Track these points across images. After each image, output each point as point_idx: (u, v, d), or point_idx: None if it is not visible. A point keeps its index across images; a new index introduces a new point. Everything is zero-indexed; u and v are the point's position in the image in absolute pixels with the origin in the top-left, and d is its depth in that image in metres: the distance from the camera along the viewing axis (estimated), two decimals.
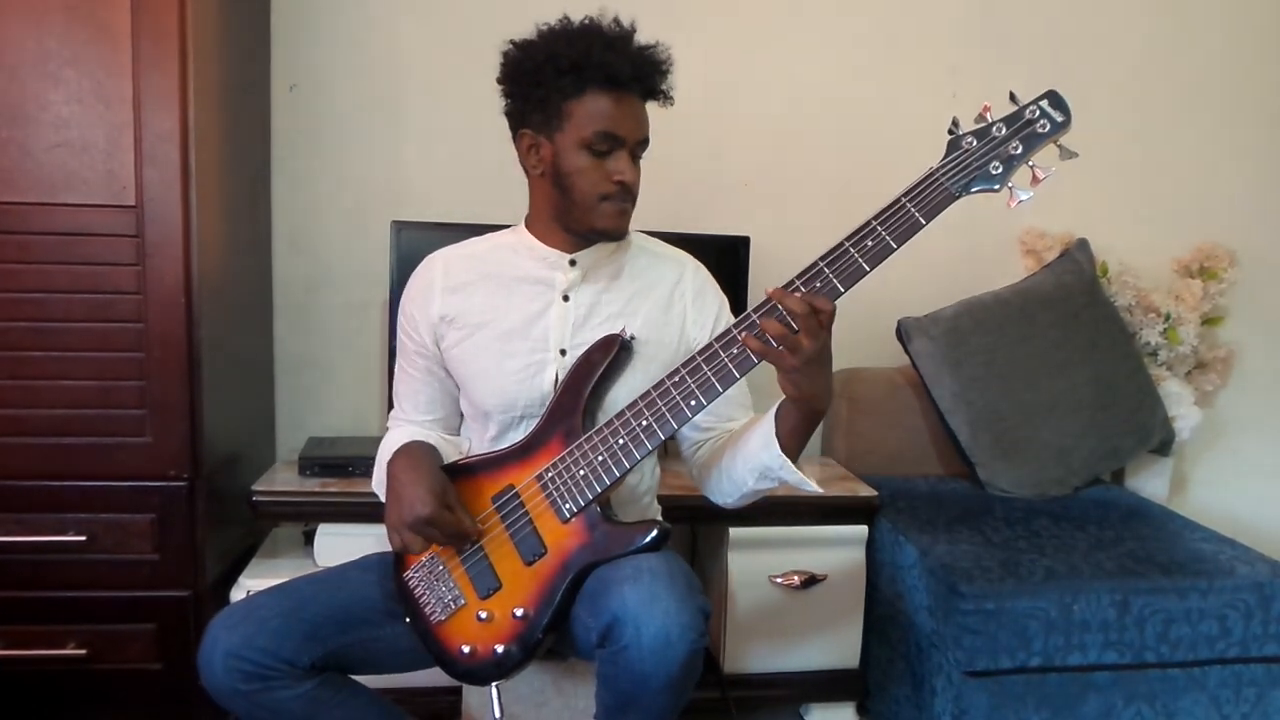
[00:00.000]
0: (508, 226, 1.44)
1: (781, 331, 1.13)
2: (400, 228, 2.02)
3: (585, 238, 1.34)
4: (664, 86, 1.33)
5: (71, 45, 1.59)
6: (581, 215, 1.31)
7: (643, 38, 1.32)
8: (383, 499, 1.34)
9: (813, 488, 1.26)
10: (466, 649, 1.28)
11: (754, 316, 1.18)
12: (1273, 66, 2.52)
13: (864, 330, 2.32)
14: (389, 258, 2.02)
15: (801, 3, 2.33)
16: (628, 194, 1.30)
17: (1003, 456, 2.18)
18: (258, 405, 2.17)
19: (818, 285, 1.16)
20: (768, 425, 1.26)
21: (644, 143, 1.32)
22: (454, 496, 1.29)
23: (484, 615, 1.27)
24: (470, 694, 1.58)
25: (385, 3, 2.19)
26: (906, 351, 2.23)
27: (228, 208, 1.90)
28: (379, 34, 2.19)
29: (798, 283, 1.17)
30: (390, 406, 1.51)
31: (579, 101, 1.26)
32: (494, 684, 1.33)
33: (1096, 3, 2.43)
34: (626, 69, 1.25)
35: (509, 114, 1.34)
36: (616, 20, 1.30)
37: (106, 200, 1.63)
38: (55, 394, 1.65)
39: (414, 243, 1.95)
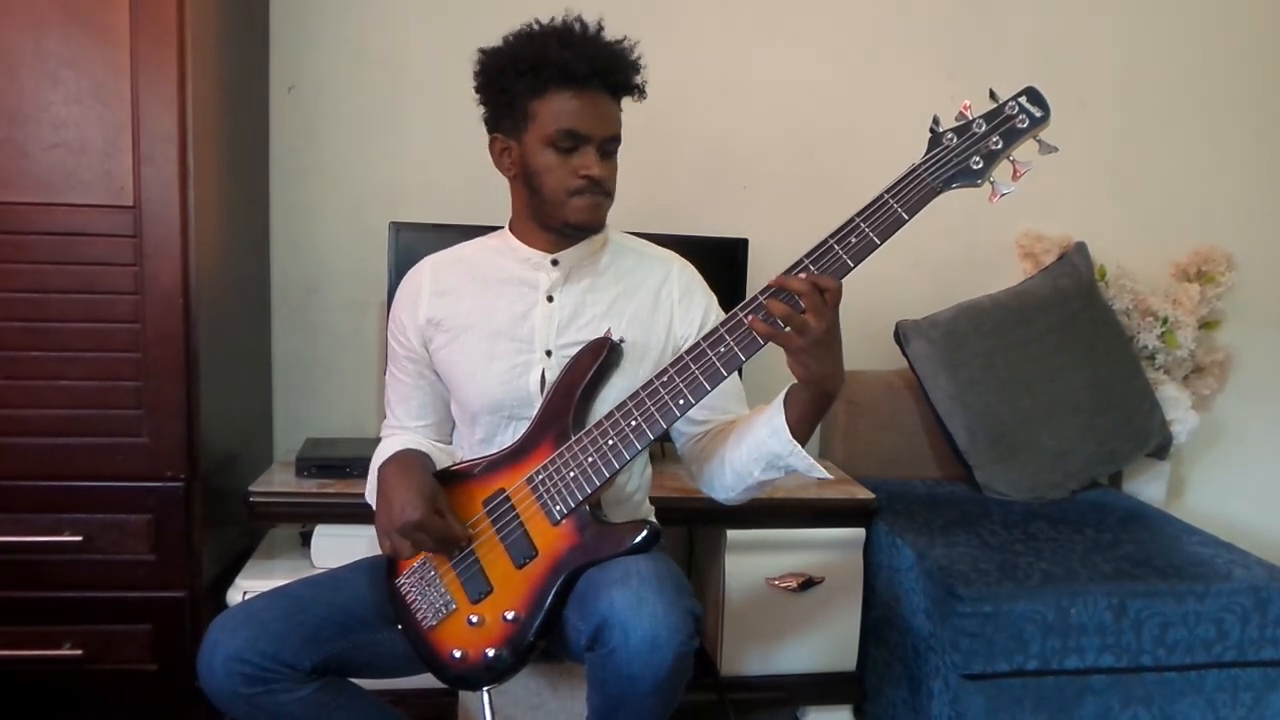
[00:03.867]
0: (500, 228, 1.44)
1: (787, 311, 1.14)
2: (398, 229, 2.03)
3: (563, 234, 1.35)
4: (633, 81, 1.32)
5: (70, 45, 1.59)
6: (553, 211, 1.32)
7: (615, 34, 1.32)
8: (375, 508, 1.34)
9: (822, 472, 1.26)
10: (458, 653, 1.27)
11: (760, 299, 1.18)
12: (1269, 70, 2.52)
13: (862, 333, 2.31)
14: (387, 259, 2.02)
15: (801, 6, 2.33)
16: (598, 188, 1.30)
17: (1000, 460, 2.18)
18: (255, 406, 2.17)
19: None
20: (775, 412, 1.26)
21: (613, 139, 1.32)
22: (444, 501, 1.29)
23: (475, 619, 1.27)
24: (466, 696, 1.58)
25: (384, 4, 2.19)
26: (904, 354, 2.23)
27: (226, 208, 1.90)
28: (377, 35, 2.20)
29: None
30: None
31: (541, 101, 1.27)
32: (485, 689, 1.33)
33: (1094, 7, 2.43)
34: (584, 66, 1.26)
35: (485, 121, 1.36)
36: (579, 19, 1.31)
37: (104, 200, 1.63)
38: (52, 394, 1.65)
39: (412, 244, 1.95)
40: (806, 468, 1.26)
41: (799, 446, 1.25)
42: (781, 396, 1.26)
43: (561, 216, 1.31)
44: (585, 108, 1.27)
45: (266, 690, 1.21)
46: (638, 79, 1.33)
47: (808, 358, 1.16)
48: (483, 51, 1.34)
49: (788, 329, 1.14)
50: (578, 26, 1.30)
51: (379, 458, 1.38)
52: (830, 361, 1.17)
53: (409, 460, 1.34)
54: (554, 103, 1.27)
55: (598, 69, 1.27)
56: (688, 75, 2.28)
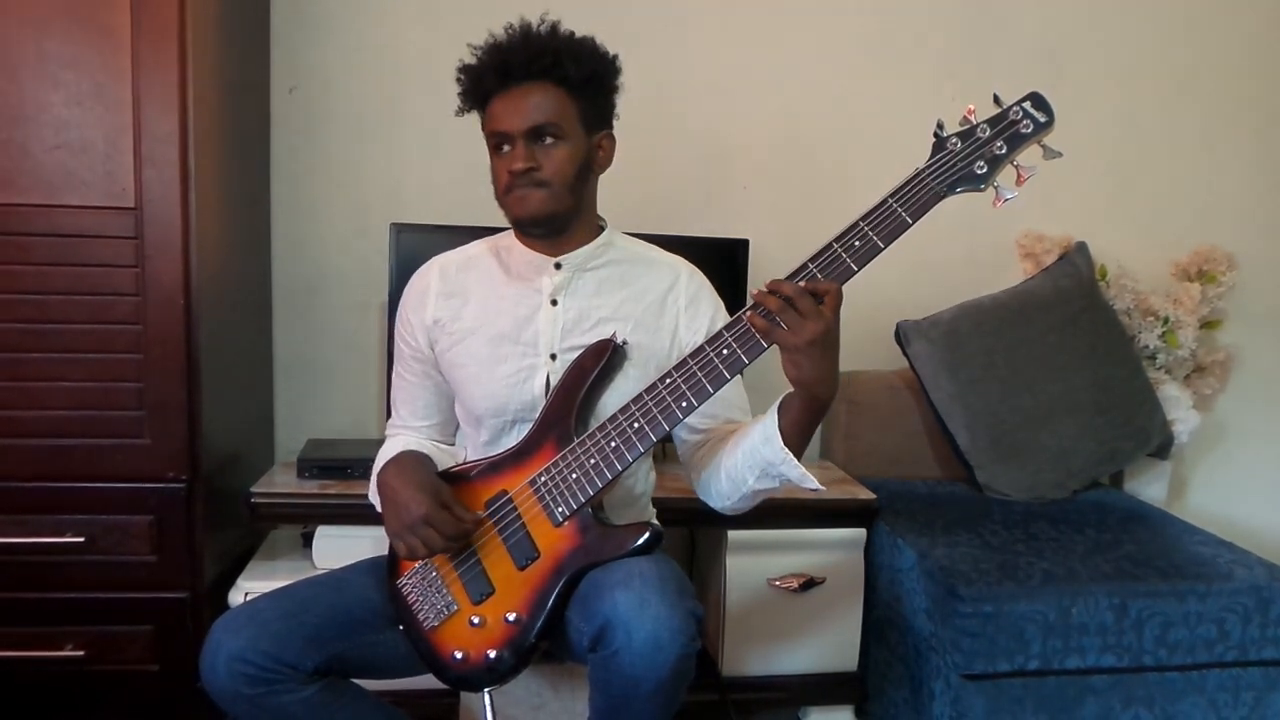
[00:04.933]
0: (506, 229, 1.44)
1: (783, 306, 1.14)
2: (399, 230, 2.03)
3: (523, 232, 1.37)
4: (556, 62, 1.28)
5: (71, 47, 1.59)
6: (505, 212, 1.35)
7: (598, 34, 1.34)
8: (379, 508, 1.34)
9: (814, 484, 1.24)
10: (459, 655, 1.27)
11: (757, 296, 1.17)
12: (1269, 69, 2.52)
13: (862, 333, 2.32)
14: (388, 259, 2.02)
15: (800, 6, 2.33)
16: (526, 179, 1.29)
17: (1001, 460, 2.18)
18: (257, 407, 2.17)
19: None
20: (769, 419, 1.25)
21: (537, 130, 1.28)
22: (448, 494, 1.30)
23: (476, 620, 1.27)
24: (467, 697, 1.58)
25: (385, 4, 2.19)
26: (905, 354, 2.23)
27: (227, 209, 1.90)
28: (379, 36, 2.20)
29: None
30: (389, 409, 1.51)
31: (484, 114, 1.33)
32: (487, 690, 1.33)
33: (1094, 7, 2.43)
34: (491, 77, 1.30)
35: None
36: (516, 25, 1.33)
37: (106, 202, 1.63)
38: (54, 395, 1.65)
39: (413, 245, 1.95)
40: (798, 478, 1.24)
41: (790, 455, 1.23)
42: (775, 404, 1.26)
43: (509, 216, 1.35)
44: (506, 106, 1.29)
45: (269, 691, 1.21)
46: (567, 61, 1.28)
47: (802, 358, 1.16)
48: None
49: (786, 327, 1.14)
50: (505, 35, 1.31)
51: (380, 460, 1.39)
52: (825, 365, 1.17)
53: (407, 461, 1.35)
54: (488, 113, 1.32)
55: (515, 61, 1.28)
56: (688, 75, 2.29)
